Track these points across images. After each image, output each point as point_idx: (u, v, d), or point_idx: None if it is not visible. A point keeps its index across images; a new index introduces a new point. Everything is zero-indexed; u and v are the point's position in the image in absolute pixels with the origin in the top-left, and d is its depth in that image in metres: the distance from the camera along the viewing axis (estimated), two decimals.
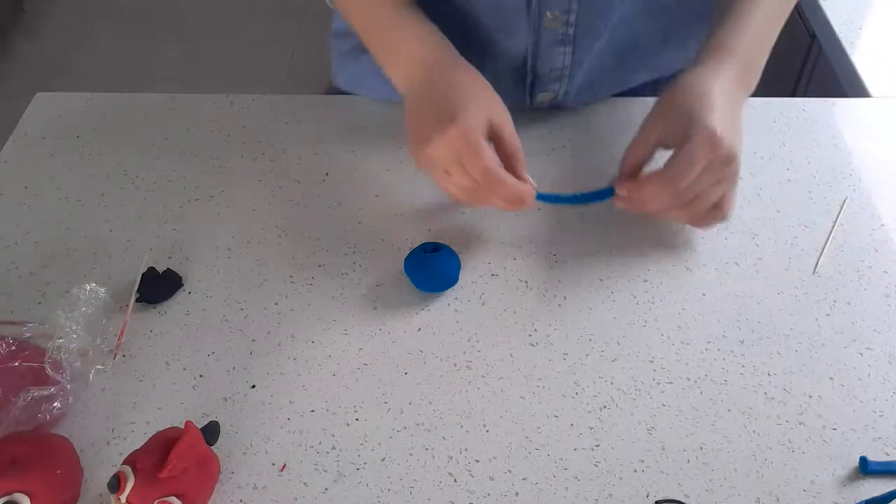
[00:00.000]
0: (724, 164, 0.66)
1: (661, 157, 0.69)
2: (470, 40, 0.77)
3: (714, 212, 0.70)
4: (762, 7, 0.74)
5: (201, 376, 0.65)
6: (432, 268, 0.69)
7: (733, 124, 0.69)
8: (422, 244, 0.71)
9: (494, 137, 0.68)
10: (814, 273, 0.72)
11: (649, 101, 0.78)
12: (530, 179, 0.70)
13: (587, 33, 0.79)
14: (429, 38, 0.72)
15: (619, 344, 0.67)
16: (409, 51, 0.71)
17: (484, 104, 0.67)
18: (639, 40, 0.85)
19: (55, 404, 0.60)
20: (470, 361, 0.66)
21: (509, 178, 0.66)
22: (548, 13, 0.76)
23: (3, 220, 0.77)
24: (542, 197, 0.74)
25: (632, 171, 0.71)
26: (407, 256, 0.70)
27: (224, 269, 0.73)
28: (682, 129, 0.67)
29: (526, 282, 0.72)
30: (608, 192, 0.72)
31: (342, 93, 0.92)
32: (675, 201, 0.67)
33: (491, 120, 0.67)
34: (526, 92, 0.84)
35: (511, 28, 0.78)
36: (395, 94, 0.73)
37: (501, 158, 0.68)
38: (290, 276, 0.72)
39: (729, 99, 0.69)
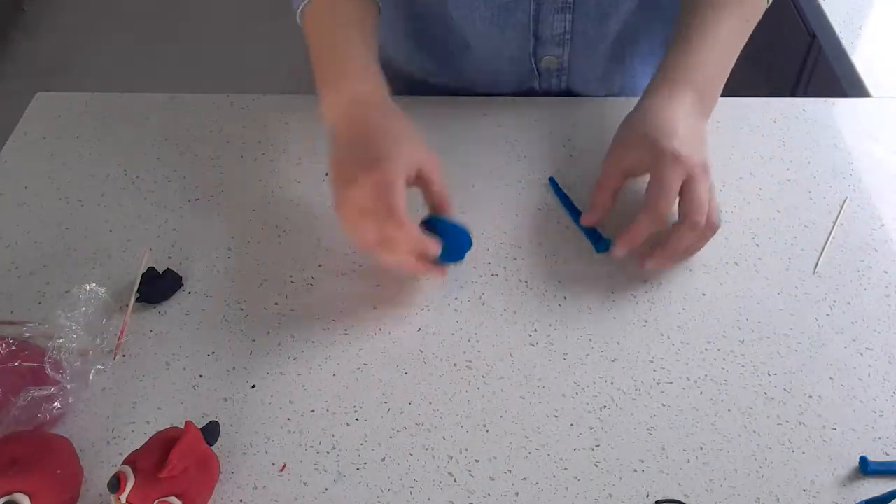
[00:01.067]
0: (704, 172, 0.68)
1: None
2: (477, 9, 0.82)
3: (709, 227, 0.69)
4: (719, 33, 0.74)
5: (201, 376, 0.65)
6: (445, 238, 0.67)
7: (697, 139, 0.70)
8: (422, 220, 0.69)
9: (423, 183, 0.68)
10: (814, 273, 0.72)
11: None
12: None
13: (585, 1, 0.82)
14: (373, 79, 0.72)
15: (619, 344, 0.67)
16: (351, 87, 0.71)
17: (413, 150, 0.67)
18: (639, 37, 0.87)
19: (55, 404, 0.60)
20: (470, 361, 0.66)
21: (411, 227, 0.64)
22: None
23: (3, 220, 0.77)
24: (556, 186, 0.78)
25: (604, 202, 0.72)
26: None
27: (224, 269, 0.73)
28: (648, 157, 0.69)
29: (526, 282, 0.72)
30: (605, 245, 0.73)
31: None
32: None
33: (420, 165, 0.67)
34: (530, 56, 0.87)
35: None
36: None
37: (429, 202, 0.69)
38: (290, 276, 0.72)
39: (689, 122, 0.71)
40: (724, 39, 0.75)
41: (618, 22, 0.86)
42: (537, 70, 0.90)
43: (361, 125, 0.69)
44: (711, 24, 0.74)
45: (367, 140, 0.67)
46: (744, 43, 0.77)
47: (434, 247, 0.65)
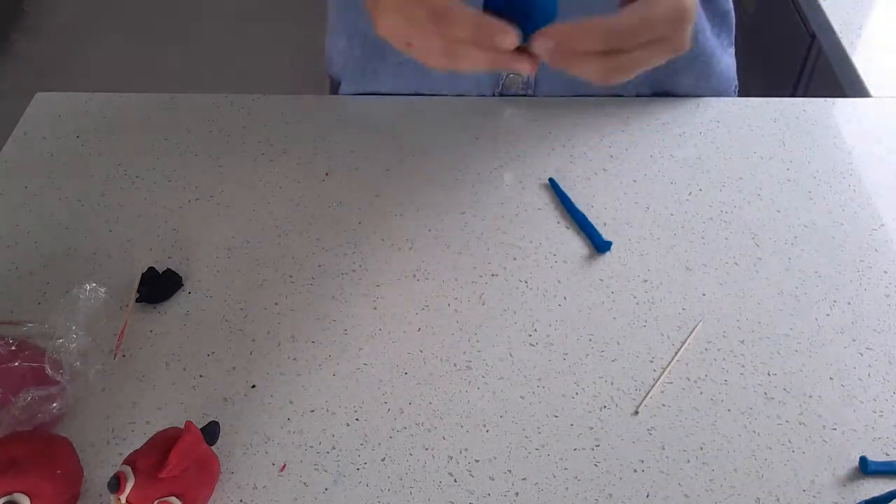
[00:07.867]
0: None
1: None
2: None
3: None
4: None
5: (201, 376, 0.65)
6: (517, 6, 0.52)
7: None
8: None
9: None
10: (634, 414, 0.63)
11: (646, 101, 0.78)
12: None
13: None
14: None
15: (619, 344, 0.67)
16: None
17: None
18: None
19: (55, 404, 0.60)
20: (470, 361, 0.66)
21: (462, 13, 0.51)
22: None
23: (3, 220, 0.77)
24: (556, 186, 0.77)
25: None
26: None
27: (224, 269, 0.73)
28: None
29: (526, 282, 0.72)
30: (605, 245, 0.73)
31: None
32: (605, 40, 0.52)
33: None
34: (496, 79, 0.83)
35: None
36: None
37: None
38: (290, 276, 0.72)
39: None
40: None
41: None
42: (501, 88, 0.87)
43: None
44: None
45: None
46: None
47: (499, 30, 0.51)
